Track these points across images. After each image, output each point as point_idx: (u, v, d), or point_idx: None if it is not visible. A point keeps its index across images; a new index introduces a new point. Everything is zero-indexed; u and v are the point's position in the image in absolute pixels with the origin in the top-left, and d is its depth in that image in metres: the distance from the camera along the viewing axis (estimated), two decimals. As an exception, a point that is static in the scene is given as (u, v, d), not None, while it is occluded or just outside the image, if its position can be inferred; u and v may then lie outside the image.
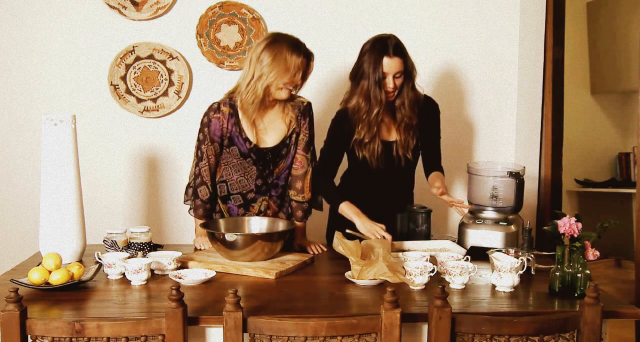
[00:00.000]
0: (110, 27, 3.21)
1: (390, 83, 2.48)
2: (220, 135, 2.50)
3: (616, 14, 4.64)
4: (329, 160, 2.63)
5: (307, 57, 2.43)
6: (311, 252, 2.48)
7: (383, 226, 2.43)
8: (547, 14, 3.33)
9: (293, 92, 2.51)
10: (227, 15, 3.23)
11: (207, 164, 2.52)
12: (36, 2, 3.18)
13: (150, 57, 3.22)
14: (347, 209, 2.51)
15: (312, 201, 2.62)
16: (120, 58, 3.20)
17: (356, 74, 2.53)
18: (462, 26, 3.34)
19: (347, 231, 2.42)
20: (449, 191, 2.76)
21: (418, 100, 2.60)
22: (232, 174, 2.55)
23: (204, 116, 2.53)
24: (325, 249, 2.53)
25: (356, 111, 2.54)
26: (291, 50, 2.38)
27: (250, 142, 2.50)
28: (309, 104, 2.59)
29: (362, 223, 2.45)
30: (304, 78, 2.47)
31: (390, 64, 2.45)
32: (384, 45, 2.46)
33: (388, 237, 2.39)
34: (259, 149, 2.51)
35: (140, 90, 3.24)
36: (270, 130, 2.53)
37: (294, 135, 2.55)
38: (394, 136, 2.62)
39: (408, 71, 2.51)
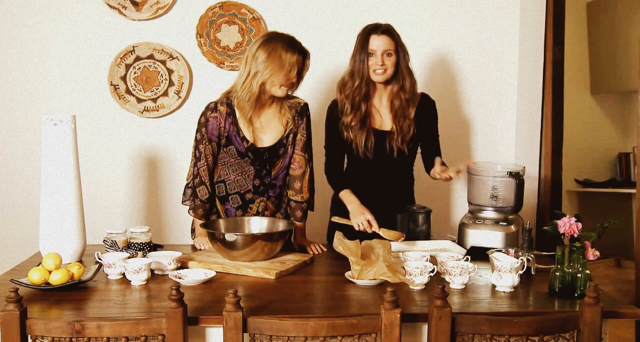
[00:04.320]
0: (110, 27, 3.21)
1: (379, 61, 2.51)
2: (217, 135, 2.51)
3: (616, 14, 4.64)
4: (331, 154, 2.68)
5: (302, 54, 2.44)
6: (311, 252, 2.48)
7: (369, 217, 2.43)
8: (547, 14, 3.33)
9: (290, 92, 2.51)
10: (227, 15, 3.23)
11: (205, 163, 2.52)
12: (36, 2, 3.18)
13: (150, 57, 3.22)
14: (343, 196, 2.58)
15: (310, 201, 2.63)
16: (120, 58, 3.20)
17: (350, 60, 2.60)
18: (462, 26, 3.34)
19: (334, 218, 2.51)
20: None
21: (414, 84, 2.63)
22: (229, 174, 2.55)
23: (201, 116, 2.53)
24: (325, 249, 2.53)
25: (342, 88, 2.60)
26: (286, 47, 2.40)
27: (248, 141, 2.50)
28: (306, 104, 2.60)
29: (350, 210, 2.50)
30: (300, 76, 2.47)
31: (378, 40, 2.51)
32: (373, 26, 2.55)
33: (374, 225, 2.42)
34: (256, 148, 2.51)
35: (140, 90, 3.24)
36: (267, 130, 2.53)
37: (291, 136, 2.56)
38: (388, 125, 2.62)
39: (400, 52, 2.55)
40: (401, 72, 2.56)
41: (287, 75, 2.40)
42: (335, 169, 2.68)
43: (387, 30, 2.53)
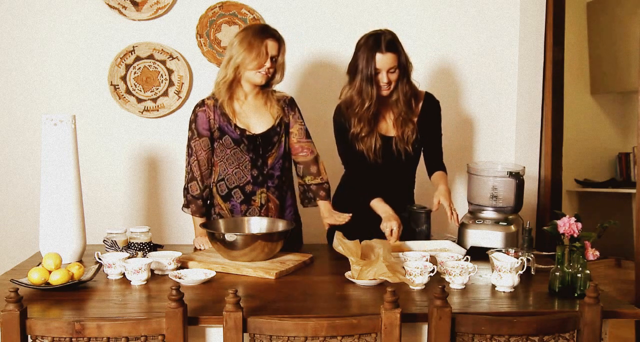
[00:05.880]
0: (110, 27, 3.21)
1: (384, 78, 2.50)
2: (208, 128, 2.55)
3: (616, 14, 4.64)
4: (349, 162, 2.68)
5: (274, 38, 2.50)
6: (339, 220, 2.50)
7: (395, 228, 2.44)
8: (547, 14, 3.33)
9: (272, 82, 2.56)
10: (227, 16, 3.23)
11: (196, 159, 2.56)
12: (36, 2, 3.18)
13: (150, 57, 3.22)
14: (375, 205, 2.56)
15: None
16: (120, 58, 3.20)
17: (351, 69, 2.56)
18: (462, 26, 3.34)
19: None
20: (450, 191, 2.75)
21: (415, 94, 2.63)
22: (227, 169, 2.57)
23: (191, 114, 2.60)
24: (349, 216, 2.52)
25: (349, 105, 2.58)
26: (258, 32, 2.49)
27: (240, 128, 2.53)
28: (292, 98, 2.68)
29: (384, 218, 2.50)
30: (275, 61, 2.51)
31: (383, 60, 2.47)
32: (377, 41, 2.48)
33: (394, 236, 2.42)
34: (249, 134, 2.54)
35: (140, 90, 3.24)
36: (256, 118, 2.58)
37: (283, 125, 2.61)
38: (392, 132, 2.63)
39: (402, 66, 2.52)
40: (400, 83, 2.55)
41: (258, 58, 2.45)
42: (358, 177, 2.67)
43: (390, 45, 2.48)
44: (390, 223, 2.45)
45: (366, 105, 2.52)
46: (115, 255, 2.16)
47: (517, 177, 2.51)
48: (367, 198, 2.59)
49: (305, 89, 3.27)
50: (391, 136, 2.63)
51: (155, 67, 3.23)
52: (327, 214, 2.61)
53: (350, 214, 2.51)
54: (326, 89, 3.23)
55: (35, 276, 1.93)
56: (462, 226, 2.52)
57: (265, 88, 2.58)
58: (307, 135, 2.66)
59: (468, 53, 3.35)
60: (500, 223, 2.47)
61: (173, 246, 2.60)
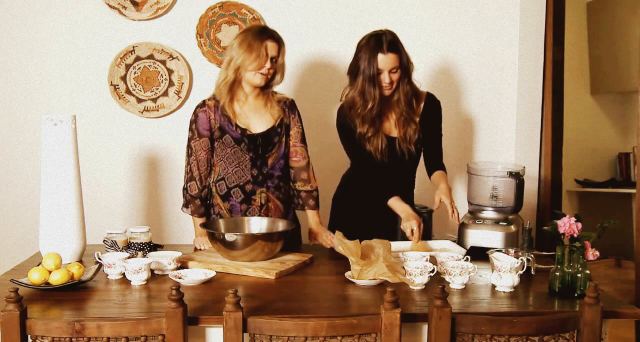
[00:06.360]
0: (110, 27, 3.21)
1: (386, 78, 2.50)
2: (208, 128, 2.55)
3: (616, 14, 4.64)
4: (357, 162, 2.67)
5: (272, 39, 2.50)
6: (321, 241, 2.52)
7: (415, 227, 2.42)
8: (547, 14, 3.33)
9: (271, 83, 2.56)
10: (227, 16, 3.23)
11: (195, 159, 2.56)
12: (36, 2, 3.19)
13: (150, 57, 3.22)
14: (394, 204, 2.55)
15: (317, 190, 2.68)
16: (120, 58, 3.20)
17: (353, 70, 2.56)
18: (462, 26, 3.34)
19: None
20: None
21: (416, 94, 2.63)
22: (227, 168, 2.57)
23: (191, 115, 2.60)
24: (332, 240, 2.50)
25: (352, 106, 2.58)
26: (257, 33, 2.50)
27: (240, 128, 2.54)
28: (293, 100, 2.68)
29: (404, 217, 2.49)
30: (275, 62, 2.51)
31: (384, 60, 2.47)
32: (378, 42, 2.48)
33: (415, 236, 2.42)
34: (250, 134, 2.55)
35: (140, 90, 3.24)
36: (256, 119, 2.58)
37: (284, 126, 2.61)
38: (395, 132, 2.64)
39: (404, 66, 2.53)
40: (401, 83, 2.55)
41: (258, 59, 2.46)
42: (366, 176, 2.65)
43: (392, 45, 2.48)
44: (410, 223, 2.44)
45: (369, 106, 2.52)
46: (115, 255, 2.15)
47: (517, 177, 2.51)
48: (382, 197, 2.58)
49: (305, 89, 3.28)
50: (394, 137, 2.64)
51: (155, 67, 3.23)
52: (315, 227, 2.62)
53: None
54: (326, 89, 3.23)
55: (35, 276, 1.93)
56: (462, 226, 2.52)
57: (265, 89, 2.58)
58: (303, 139, 2.66)
59: (468, 53, 3.35)
60: (500, 223, 2.47)
61: (173, 246, 2.60)
